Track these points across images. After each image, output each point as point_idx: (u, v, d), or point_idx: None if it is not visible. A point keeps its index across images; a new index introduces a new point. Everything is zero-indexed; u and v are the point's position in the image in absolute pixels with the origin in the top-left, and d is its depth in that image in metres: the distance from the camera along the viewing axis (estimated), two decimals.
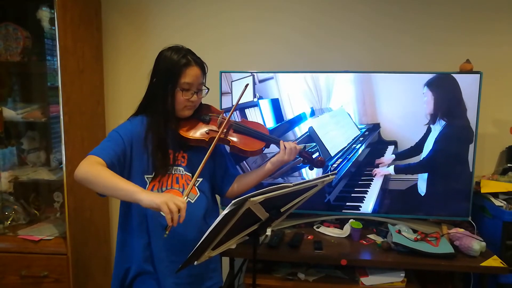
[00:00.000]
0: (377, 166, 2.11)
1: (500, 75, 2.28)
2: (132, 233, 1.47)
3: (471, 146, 2.03)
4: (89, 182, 1.29)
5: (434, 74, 2.02)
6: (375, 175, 2.11)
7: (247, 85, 1.57)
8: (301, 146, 1.59)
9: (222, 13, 2.43)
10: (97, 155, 1.34)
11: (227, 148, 1.62)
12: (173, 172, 1.48)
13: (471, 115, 2.01)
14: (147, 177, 1.45)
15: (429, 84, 2.03)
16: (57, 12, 1.98)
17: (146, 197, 1.21)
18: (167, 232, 1.23)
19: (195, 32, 2.46)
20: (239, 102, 1.59)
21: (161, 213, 1.20)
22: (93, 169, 1.29)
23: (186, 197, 1.29)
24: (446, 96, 2.03)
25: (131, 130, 1.45)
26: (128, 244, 1.49)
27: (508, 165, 2.26)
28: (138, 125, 1.47)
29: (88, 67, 2.30)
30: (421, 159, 2.07)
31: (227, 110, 2.12)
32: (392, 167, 2.09)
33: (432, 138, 2.05)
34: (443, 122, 2.04)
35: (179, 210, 1.19)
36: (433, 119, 2.04)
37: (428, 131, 2.05)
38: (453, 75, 2.02)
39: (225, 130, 1.53)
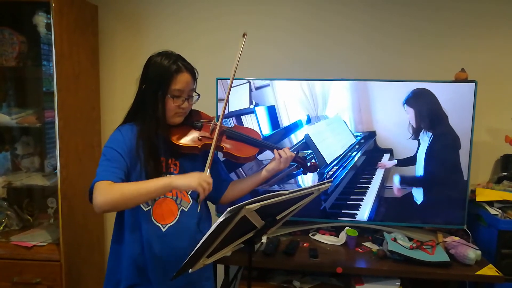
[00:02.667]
0: (374, 172, 2.11)
1: (496, 83, 2.30)
2: (124, 244, 1.45)
3: (462, 154, 2.04)
4: (119, 204, 1.28)
5: (427, 83, 2.04)
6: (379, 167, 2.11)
7: (245, 34, 1.45)
8: (294, 153, 1.57)
9: (219, 19, 2.44)
10: (104, 179, 1.30)
11: (220, 154, 1.60)
12: None
13: (465, 124, 2.02)
14: None
15: (408, 101, 2.05)
16: (54, 17, 1.98)
17: (181, 183, 1.29)
18: (199, 203, 1.48)
19: (192, 37, 2.46)
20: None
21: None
22: (113, 192, 1.26)
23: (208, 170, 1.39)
24: (425, 110, 2.04)
25: (124, 141, 1.41)
26: (120, 256, 1.47)
27: (503, 173, 2.27)
28: (129, 135, 1.42)
29: (84, 72, 2.29)
30: (417, 175, 2.08)
31: (224, 116, 2.10)
32: (394, 161, 2.09)
33: (423, 151, 2.06)
34: (429, 134, 2.05)
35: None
36: (416, 133, 2.06)
37: (418, 143, 2.07)
38: (449, 83, 2.03)
39: (218, 136, 1.49)
